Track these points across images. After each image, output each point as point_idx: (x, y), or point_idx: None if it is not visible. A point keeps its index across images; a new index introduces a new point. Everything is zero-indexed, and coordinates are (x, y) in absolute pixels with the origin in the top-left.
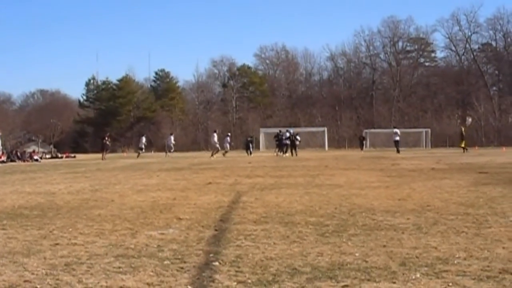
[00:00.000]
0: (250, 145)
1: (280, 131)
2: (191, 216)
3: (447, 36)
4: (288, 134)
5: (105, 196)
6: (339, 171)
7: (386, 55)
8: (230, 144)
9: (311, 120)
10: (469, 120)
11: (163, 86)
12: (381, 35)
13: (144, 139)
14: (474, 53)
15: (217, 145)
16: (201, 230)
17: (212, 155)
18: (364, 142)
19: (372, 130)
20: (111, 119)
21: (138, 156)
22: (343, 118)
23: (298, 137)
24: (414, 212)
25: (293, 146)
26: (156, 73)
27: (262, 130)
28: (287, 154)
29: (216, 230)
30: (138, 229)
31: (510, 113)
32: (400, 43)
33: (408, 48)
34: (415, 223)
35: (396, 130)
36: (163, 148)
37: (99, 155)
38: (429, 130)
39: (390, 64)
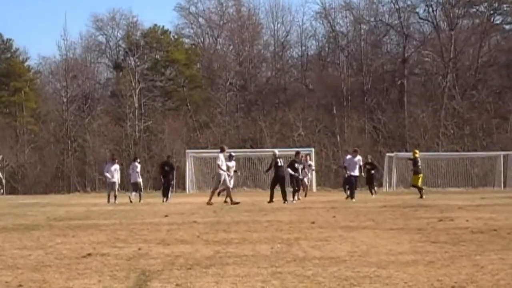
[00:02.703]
0: (170, 180)
1: (275, 155)
2: None
3: None
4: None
5: None
6: (338, 231)
7: (429, 10)
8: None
9: (284, 132)
10: None
11: (0, 67)
12: None
13: (136, 167)
14: None
15: (223, 177)
16: None
17: (216, 195)
18: (373, 174)
19: (402, 154)
20: None
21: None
22: (346, 129)
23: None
24: None
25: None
26: None
27: (190, 152)
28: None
29: None
30: None
31: None
32: None
33: None
34: None
35: (358, 157)
36: None
37: None
38: (511, 153)
39: (437, 27)
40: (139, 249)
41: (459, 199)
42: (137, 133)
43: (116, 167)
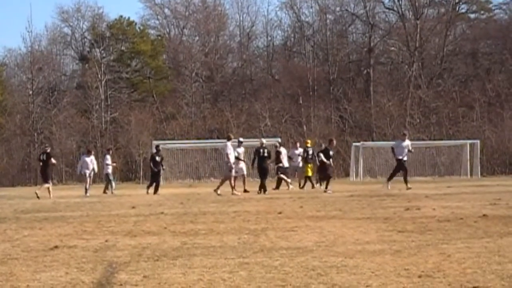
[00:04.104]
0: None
1: (262, 144)
2: None
3: None
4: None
5: None
6: (305, 221)
7: (395, 0)
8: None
9: (251, 122)
10: None
11: None
12: None
13: (106, 159)
14: None
15: (233, 166)
16: None
17: (233, 189)
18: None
19: (368, 144)
20: None
21: (106, 191)
22: (312, 119)
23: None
24: None
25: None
26: None
27: (157, 144)
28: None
29: None
30: None
31: None
32: None
33: None
34: None
35: (406, 142)
36: None
37: None
38: (477, 142)
39: (402, 16)
40: (106, 241)
41: (426, 188)
42: (103, 125)
43: (92, 158)
